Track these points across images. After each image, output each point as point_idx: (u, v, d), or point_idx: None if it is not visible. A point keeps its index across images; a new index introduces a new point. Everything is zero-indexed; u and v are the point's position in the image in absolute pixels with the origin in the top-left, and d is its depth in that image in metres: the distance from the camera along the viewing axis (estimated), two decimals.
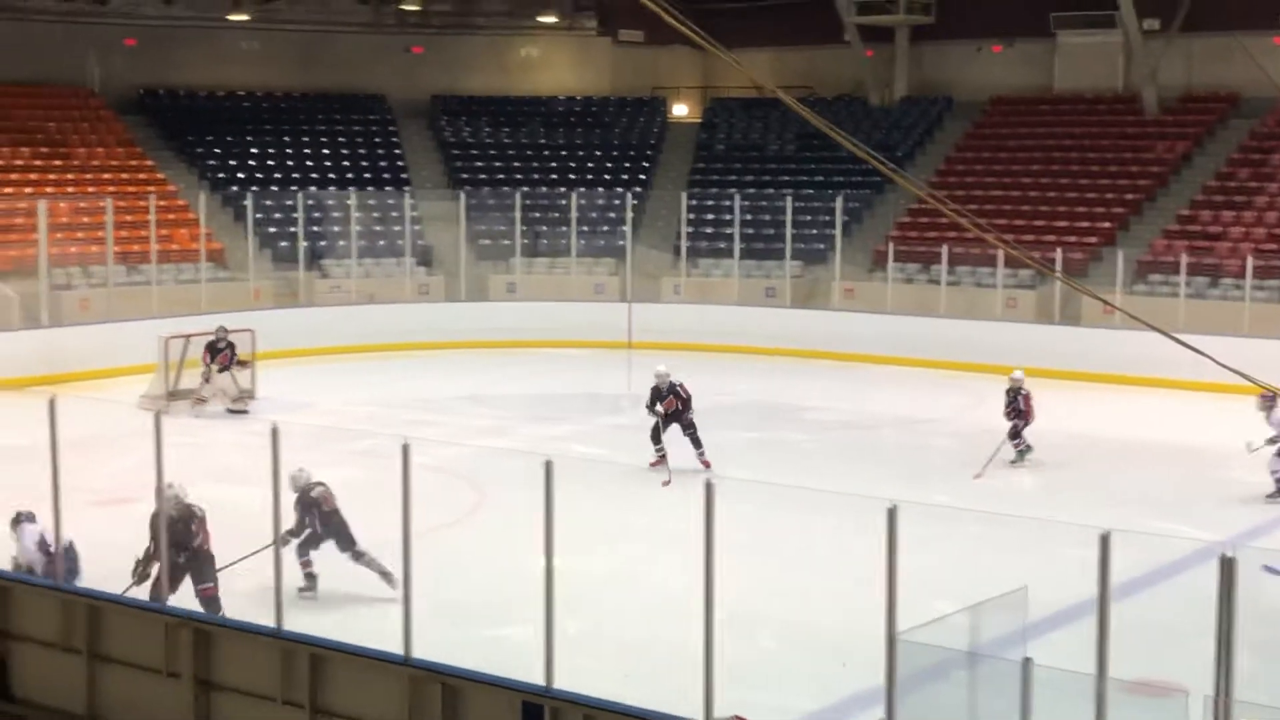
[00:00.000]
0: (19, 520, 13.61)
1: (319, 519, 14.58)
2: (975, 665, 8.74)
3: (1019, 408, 21.33)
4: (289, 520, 11.38)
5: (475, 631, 12.81)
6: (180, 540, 12.90)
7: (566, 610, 10.22)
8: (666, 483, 19.25)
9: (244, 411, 24.80)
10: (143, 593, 12.86)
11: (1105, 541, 8.11)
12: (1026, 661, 8.29)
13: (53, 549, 12.91)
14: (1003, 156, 37.08)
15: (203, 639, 11.42)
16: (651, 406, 20.42)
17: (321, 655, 10.89)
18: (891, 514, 8.58)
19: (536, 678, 10.06)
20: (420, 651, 10.53)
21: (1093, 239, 33.27)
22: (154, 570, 12.74)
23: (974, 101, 39.13)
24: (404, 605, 10.51)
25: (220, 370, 24.98)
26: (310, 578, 14.78)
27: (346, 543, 14.65)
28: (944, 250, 31.63)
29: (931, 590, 12.57)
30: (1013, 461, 21.31)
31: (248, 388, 25.57)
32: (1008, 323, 30.58)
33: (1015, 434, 21.33)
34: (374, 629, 10.96)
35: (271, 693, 11.07)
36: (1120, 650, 8.17)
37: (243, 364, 25.19)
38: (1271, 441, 19.23)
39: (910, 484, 19.46)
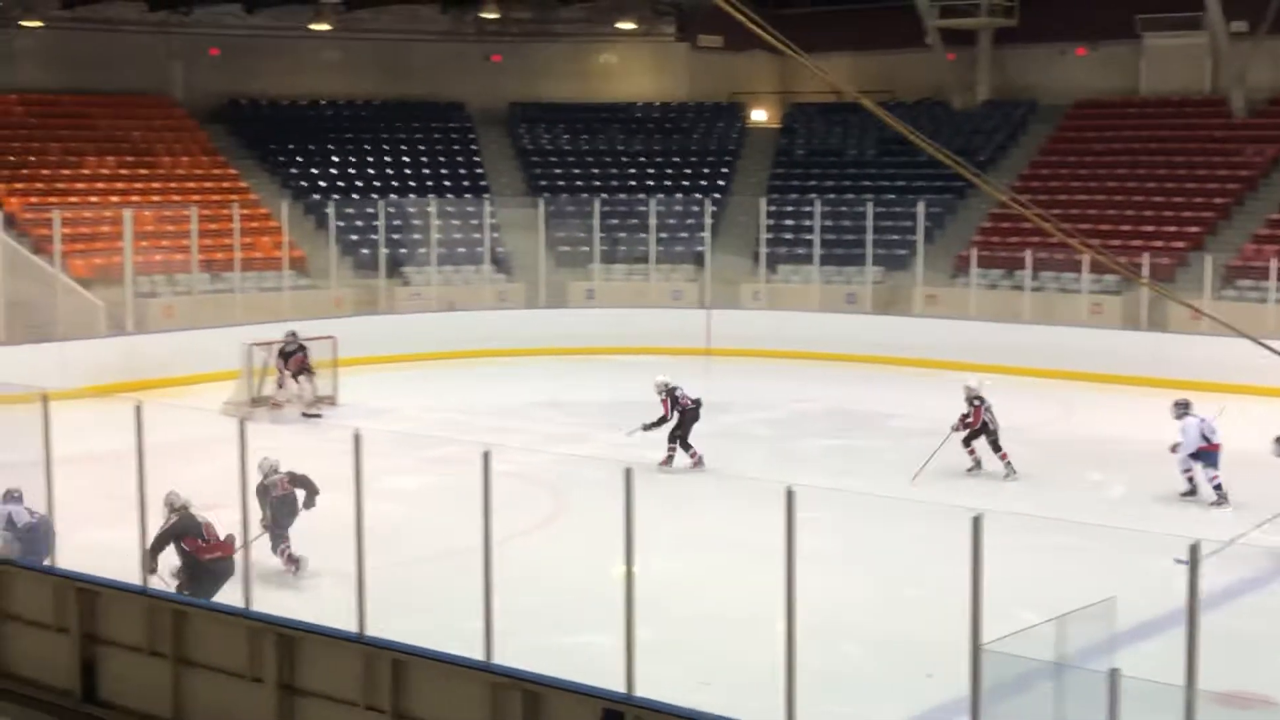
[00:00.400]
0: (7, 497, 14.09)
1: (270, 504, 15.21)
2: (1061, 676, 8.61)
3: (967, 419, 20.87)
4: (377, 523, 11.40)
5: (555, 638, 12.80)
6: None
7: (646, 617, 10.18)
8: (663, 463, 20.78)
9: (318, 416, 24.98)
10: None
11: (1195, 551, 7.96)
12: (1114, 672, 8.15)
13: (34, 527, 13.98)
14: (1088, 160, 36.66)
15: (286, 643, 11.48)
16: (660, 423, 21.00)
17: (403, 661, 10.92)
18: (976, 523, 8.48)
19: (616, 685, 10.03)
20: (501, 657, 10.53)
21: (1180, 244, 32.81)
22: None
23: (1058, 105, 38.73)
24: (485, 611, 10.52)
25: (294, 375, 25.18)
26: (292, 560, 15.42)
27: (281, 526, 15.37)
28: (1028, 255, 31.31)
29: (1017, 600, 12.43)
30: (969, 470, 20.91)
31: (328, 393, 25.76)
32: (1092, 329, 30.23)
33: (968, 441, 20.99)
34: (455, 634, 10.95)
35: (354, 698, 11.11)
36: (1210, 661, 8.01)
37: (309, 371, 25.36)
38: (1174, 449, 19.54)
39: (994, 492, 19.26)
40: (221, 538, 13.86)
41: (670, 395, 21.02)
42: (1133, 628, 11.87)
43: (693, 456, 21.06)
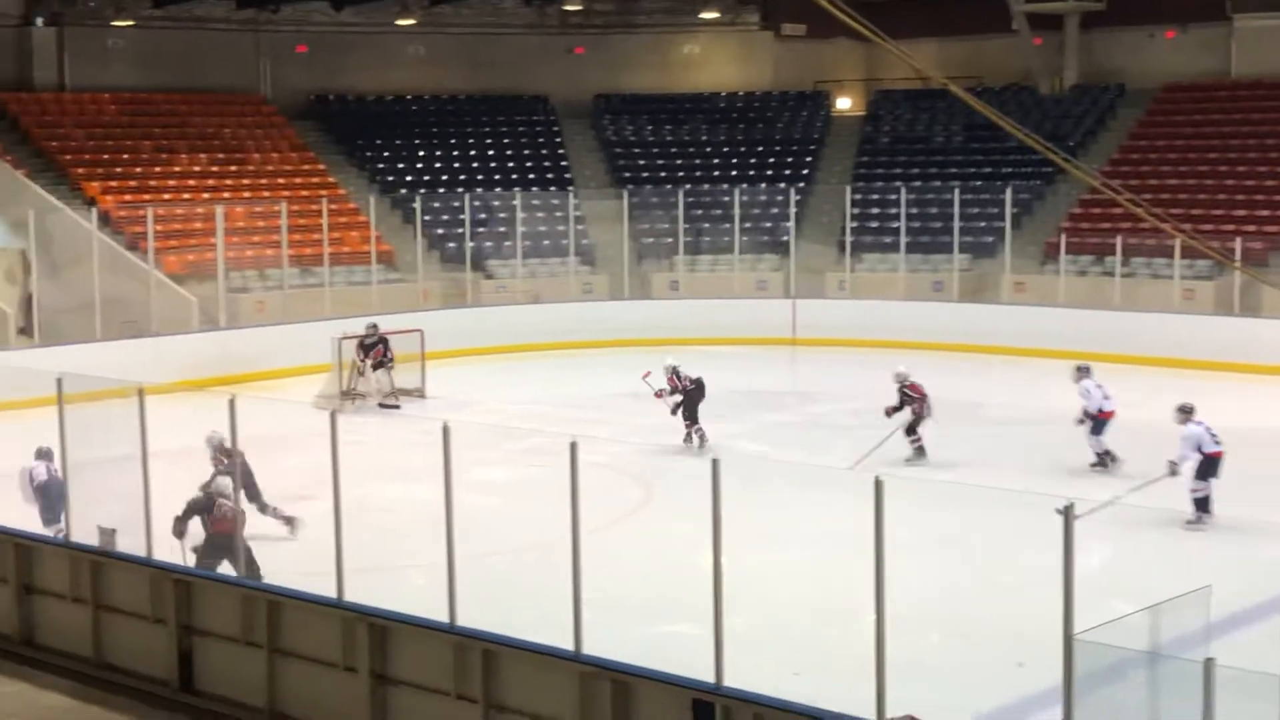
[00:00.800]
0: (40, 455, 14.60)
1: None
2: (1155, 666, 8.52)
3: (906, 400, 21.04)
4: (466, 514, 11.50)
5: (644, 628, 12.84)
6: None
7: (734, 607, 10.19)
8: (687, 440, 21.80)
9: (395, 407, 25.20)
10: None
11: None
12: (1209, 662, 8.06)
13: (47, 486, 15.22)
14: (1178, 144, 36.14)
15: (379, 633, 11.62)
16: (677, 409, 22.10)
17: (494, 650, 11.01)
18: (1067, 512, 8.41)
19: (705, 675, 10.05)
20: (590, 647, 10.59)
21: (1273, 227, 32.24)
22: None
23: (1147, 89, 38.20)
24: (574, 601, 10.58)
25: (374, 367, 25.42)
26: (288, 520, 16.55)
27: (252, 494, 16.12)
28: (1118, 241, 30.93)
29: (1110, 590, 12.33)
30: (908, 460, 20.72)
31: (415, 386, 25.98)
32: (1185, 314, 29.79)
33: (911, 429, 20.98)
34: (545, 624, 11.03)
35: (445, 687, 11.23)
36: None
37: (387, 363, 25.56)
38: (1081, 420, 20.41)
39: (1086, 481, 19.06)
40: (231, 516, 14.03)
41: (674, 375, 22.13)
42: (1228, 617, 11.72)
43: (697, 433, 21.88)
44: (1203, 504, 17.29)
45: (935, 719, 8.09)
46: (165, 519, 13.53)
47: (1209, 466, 17.40)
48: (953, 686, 11.78)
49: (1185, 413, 17.80)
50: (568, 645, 10.63)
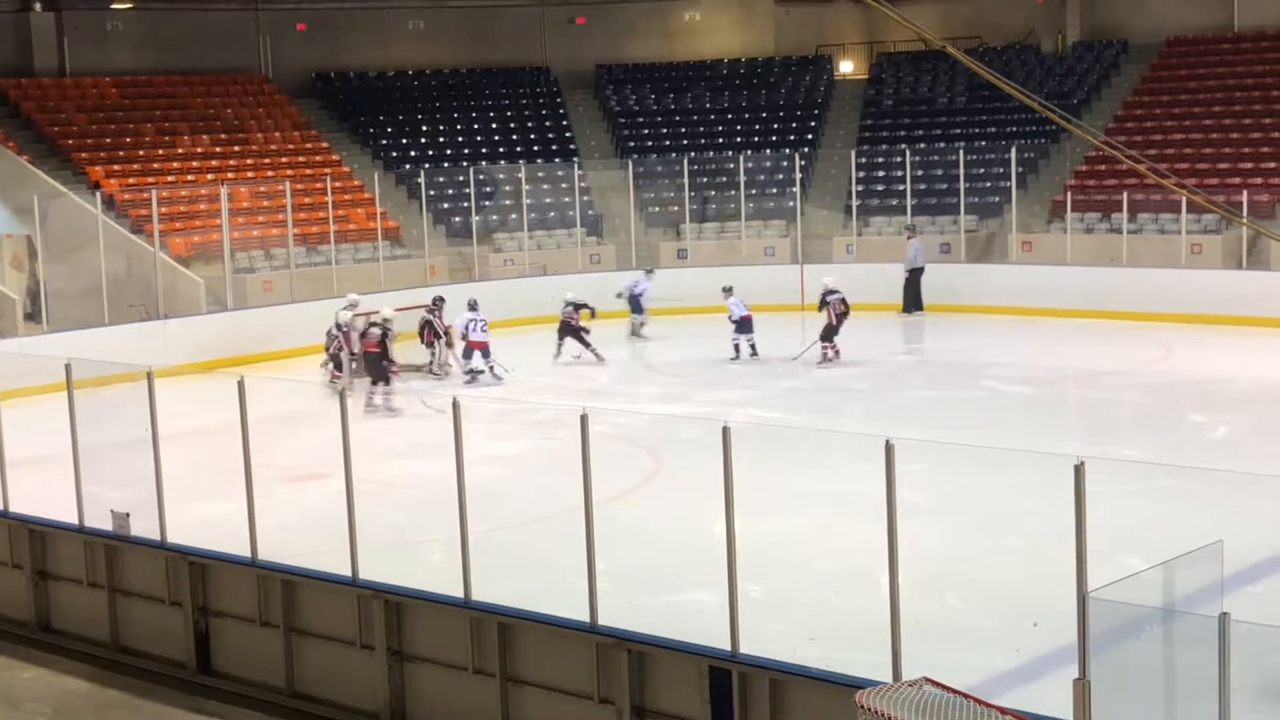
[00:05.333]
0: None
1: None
2: (1169, 622, 8.52)
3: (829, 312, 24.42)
4: (478, 488, 11.52)
5: (658, 597, 12.86)
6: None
7: (749, 575, 10.21)
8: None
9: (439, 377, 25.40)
10: None
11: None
12: (1223, 617, 8.05)
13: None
14: (1183, 99, 35.98)
15: (394, 610, 11.66)
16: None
17: (510, 624, 11.04)
18: (1078, 470, 8.41)
19: (721, 642, 10.08)
20: (606, 618, 10.62)
21: (1279, 180, 32.14)
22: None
23: (1150, 44, 38.01)
24: (589, 572, 10.60)
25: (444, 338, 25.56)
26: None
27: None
28: (1124, 198, 30.84)
29: (1122, 546, 12.33)
30: (818, 364, 24.14)
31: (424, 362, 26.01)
32: (1193, 269, 29.74)
33: (827, 336, 24.26)
34: (560, 596, 11.06)
35: (462, 662, 11.27)
36: None
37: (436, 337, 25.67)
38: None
39: (1097, 438, 19.05)
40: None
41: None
42: (1240, 570, 11.72)
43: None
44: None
45: (951, 681, 8.09)
46: (178, 501, 13.56)
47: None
48: (968, 647, 11.79)
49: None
50: (583, 617, 10.66)
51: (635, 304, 29.33)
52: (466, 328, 24.99)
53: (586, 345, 26.11)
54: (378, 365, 22.65)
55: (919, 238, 30.58)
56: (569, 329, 26.43)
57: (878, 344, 25.07)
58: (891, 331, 24.76)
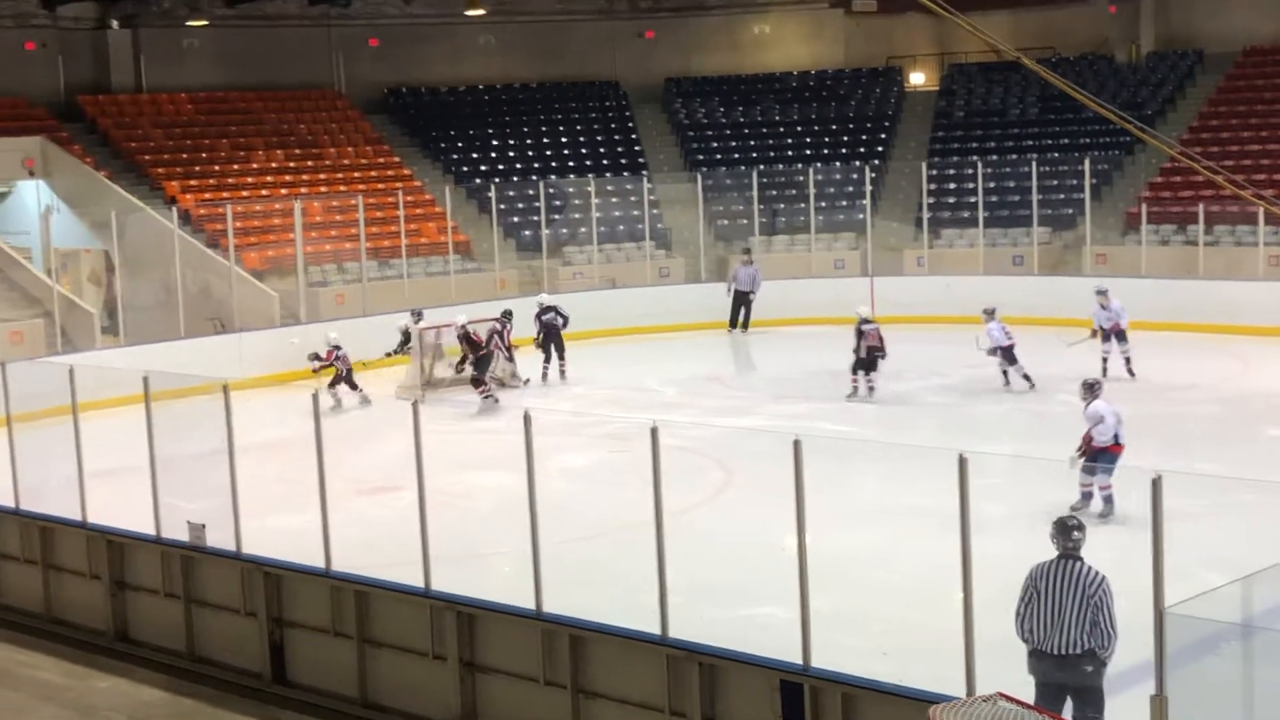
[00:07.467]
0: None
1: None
2: (1249, 638, 8.41)
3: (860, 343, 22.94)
4: (549, 501, 11.55)
5: (731, 610, 12.83)
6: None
7: (820, 588, 10.16)
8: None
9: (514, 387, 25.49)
10: None
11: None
12: None
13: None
14: (1259, 109, 35.56)
15: (466, 621, 11.69)
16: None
17: (581, 636, 11.05)
18: (1156, 484, 8.31)
19: (792, 656, 10.03)
20: (677, 631, 10.60)
21: None
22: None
23: (1226, 53, 37.59)
24: (659, 585, 10.60)
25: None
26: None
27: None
28: (1200, 209, 30.50)
29: (1200, 561, 12.17)
30: (847, 397, 22.98)
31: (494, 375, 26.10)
32: (1271, 281, 29.33)
33: (867, 368, 23.04)
34: (631, 609, 11.06)
35: (534, 673, 11.28)
36: None
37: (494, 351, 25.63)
38: (991, 352, 22.82)
39: (1173, 452, 18.82)
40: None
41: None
42: None
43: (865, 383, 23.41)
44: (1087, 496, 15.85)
45: (1026, 697, 8.01)
46: (253, 512, 13.68)
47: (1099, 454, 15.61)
48: None
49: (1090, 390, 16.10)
50: (654, 629, 10.65)
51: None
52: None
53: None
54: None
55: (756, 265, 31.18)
56: (554, 336, 26.02)
57: (950, 357, 24.86)
58: (958, 344, 24.56)
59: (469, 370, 24.41)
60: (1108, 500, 15.44)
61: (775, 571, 11.16)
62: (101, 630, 14.45)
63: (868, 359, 22.97)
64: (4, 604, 15.56)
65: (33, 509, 15.29)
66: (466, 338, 24.42)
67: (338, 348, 24.42)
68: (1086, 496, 15.65)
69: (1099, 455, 15.51)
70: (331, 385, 23.99)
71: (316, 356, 24.36)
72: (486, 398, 23.73)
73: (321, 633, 12.70)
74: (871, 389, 23.10)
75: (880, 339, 23.03)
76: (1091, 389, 15.99)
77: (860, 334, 23.03)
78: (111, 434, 15.91)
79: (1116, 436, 15.59)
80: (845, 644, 11.22)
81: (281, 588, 13.04)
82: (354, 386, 24.35)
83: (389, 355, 25.73)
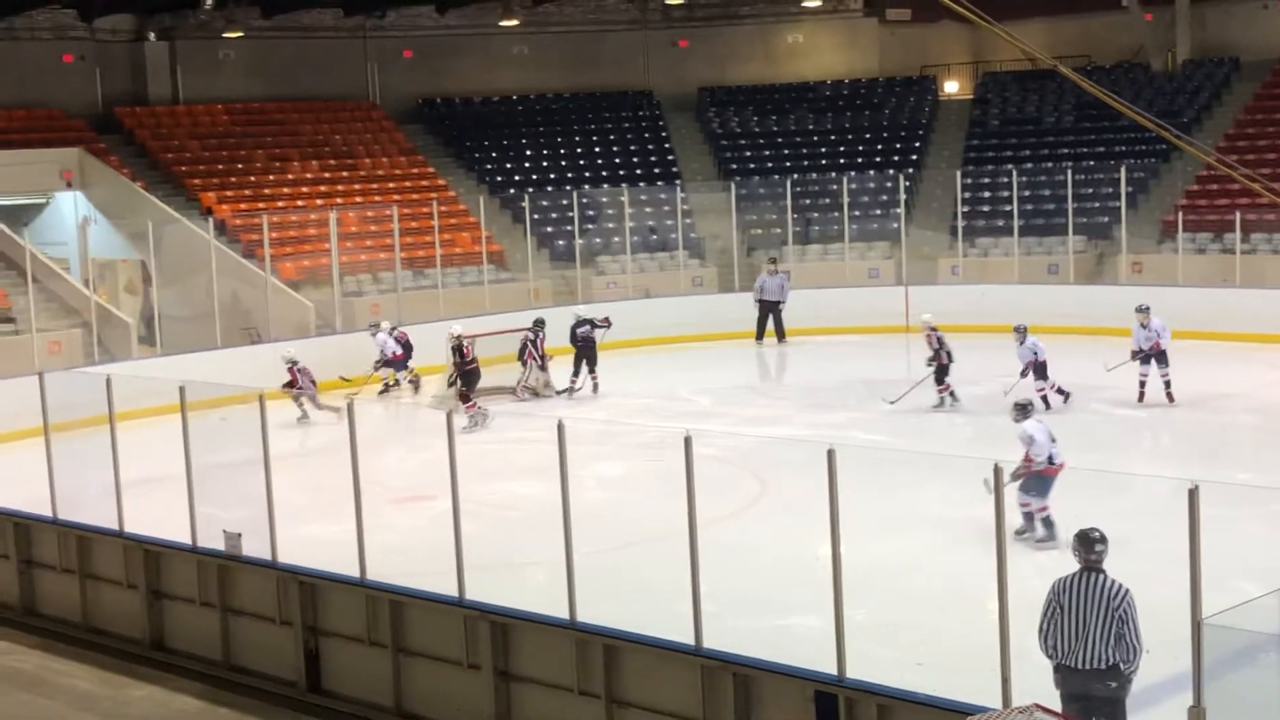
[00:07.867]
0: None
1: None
2: None
3: (935, 350, 22.76)
4: (583, 510, 11.56)
5: (765, 620, 12.81)
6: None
7: (855, 599, 10.14)
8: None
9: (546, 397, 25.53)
10: None
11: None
12: None
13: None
14: None
15: (500, 631, 11.71)
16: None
17: (615, 646, 11.05)
18: (1192, 494, 8.26)
19: (827, 667, 10.01)
20: (711, 641, 10.59)
21: None
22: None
23: (1263, 61, 37.37)
24: (693, 595, 10.59)
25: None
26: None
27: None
28: (1237, 217, 30.30)
29: (1238, 571, 12.09)
30: (935, 406, 22.64)
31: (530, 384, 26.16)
32: None
33: (940, 379, 22.74)
34: (665, 619, 11.05)
35: (568, 683, 11.29)
36: None
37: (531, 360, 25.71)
38: (1023, 374, 22.05)
39: (1210, 462, 18.72)
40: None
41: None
42: None
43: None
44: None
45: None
46: (288, 521, 13.73)
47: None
48: None
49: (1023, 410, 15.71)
50: (688, 639, 10.64)
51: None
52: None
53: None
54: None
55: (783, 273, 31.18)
56: (589, 350, 25.88)
57: (983, 366, 24.77)
58: (993, 353, 24.46)
59: (459, 385, 23.87)
60: (1046, 523, 14.92)
61: (809, 581, 11.14)
62: (137, 639, 14.53)
63: (945, 366, 22.97)
64: (41, 613, 15.67)
65: (70, 518, 15.39)
66: (458, 349, 24.01)
67: (295, 362, 24.00)
68: (1028, 518, 15.11)
69: (1034, 477, 14.97)
70: (296, 399, 23.65)
71: (290, 384, 23.86)
72: (474, 414, 22.50)
73: (356, 642, 12.74)
74: (954, 395, 23.05)
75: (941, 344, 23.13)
76: (1024, 410, 15.56)
77: (940, 341, 22.90)
78: (148, 443, 16.01)
79: (1051, 457, 14.95)
80: (879, 654, 11.19)
81: (317, 597, 13.09)
82: (318, 406, 23.55)
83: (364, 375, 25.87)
